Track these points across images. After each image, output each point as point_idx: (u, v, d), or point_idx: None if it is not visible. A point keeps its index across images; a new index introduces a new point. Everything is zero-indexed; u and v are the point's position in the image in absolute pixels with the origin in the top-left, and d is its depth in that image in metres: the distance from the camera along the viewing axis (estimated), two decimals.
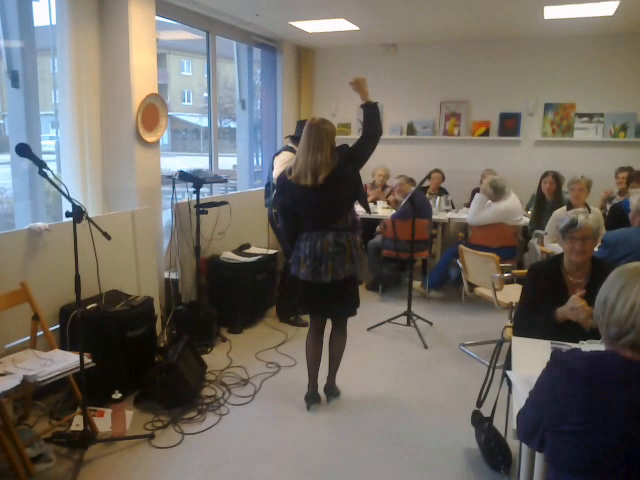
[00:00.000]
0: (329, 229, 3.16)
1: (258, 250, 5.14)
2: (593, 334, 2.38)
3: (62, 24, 3.88)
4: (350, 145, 3.20)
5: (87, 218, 2.66)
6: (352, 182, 3.22)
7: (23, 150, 2.55)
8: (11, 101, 3.92)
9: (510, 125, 6.66)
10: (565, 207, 4.81)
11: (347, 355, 3.74)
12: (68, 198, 2.59)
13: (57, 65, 3.96)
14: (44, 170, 2.54)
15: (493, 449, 2.80)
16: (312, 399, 3.47)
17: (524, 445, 1.94)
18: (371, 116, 3.19)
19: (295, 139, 4.66)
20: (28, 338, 3.08)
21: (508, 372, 2.14)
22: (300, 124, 4.86)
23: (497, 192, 5.08)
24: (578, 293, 2.51)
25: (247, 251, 5.10)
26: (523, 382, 1.93)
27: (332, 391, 3.57)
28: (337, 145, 3.20)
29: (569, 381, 1.41)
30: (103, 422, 3.11)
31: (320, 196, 3.12)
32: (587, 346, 2.23)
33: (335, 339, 3.48)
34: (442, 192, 6.41)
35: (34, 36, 3.89)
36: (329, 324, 3.48)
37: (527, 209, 5.79)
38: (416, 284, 5.46)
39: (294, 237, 3.30)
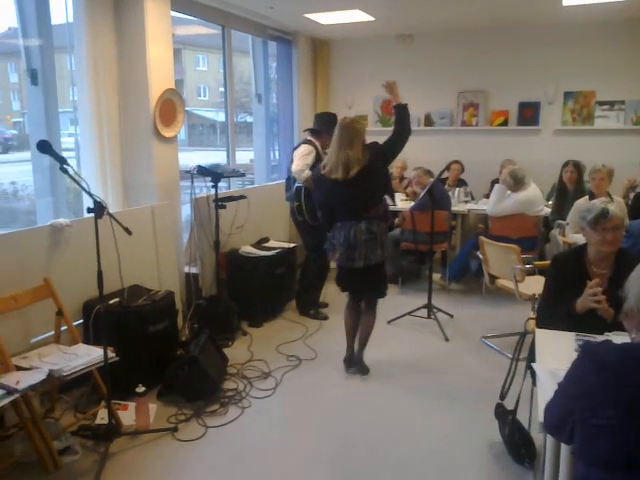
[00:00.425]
0: (362, 218, 3.45)
1: (277, 244, 5.15)
2: (616, 326, 2.35)
3: (79, 21, 3.89)
4: (380, 143, 3.51)
5: (108, 213, 2.68)
6: (382, 177, 3.56)
7: (44, 147, 2.58)
8: (31, 99, 3.96)
9: (529, 114, 6.57)
10: (587, 197, 4.74)
11: (367, 348, 3.76)
12: (89, 194, 2.61)
13: (75, 62, 3.99)
14: (65, 166, 2.57)
15: (517, 442, 2.78)
16: (349, 362, 3.82)
17: (549, 438, 1.92)
18: (401, 116, 3.52)
19: (314, 132, 4.65)
20: (52, 333, 3.13)
21: (533, 364, 2.11)
22: (318, 117, 4.86)
23: (517, 182, 5.02)
24: (594, 281, 2.48)
25: (266, 245, 5.11)
26: (549, 375, 1.91)
27: (360, 364, 3.82)
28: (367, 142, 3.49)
29: (599, 373, 1.39)
30: (127, 415, 3.15)
31: (352, 189, 3.41)
32: (614, 338, 2.19)
33: (365, 317, 3.77)
34: (461, 183, 6.35)
35: (52, 34, 3.92)
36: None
37: (548, 199, 5.71)
38: (436, 276, 5.43)
39: (331, 227, 3.61)
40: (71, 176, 2.58)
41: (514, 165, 5.64)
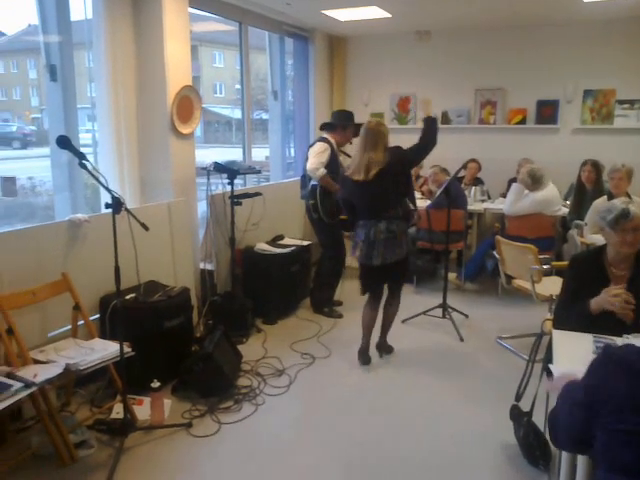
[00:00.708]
0: (382, 218, 3.61)
1: (292, 241, 5.15)
2: (635, 328, 2.32)
3: (98, 18, 3.91)
4: (403, 147, 3.67)
5: (126, 209, 2.70)
6: (400, 179, 3.67)
7: (64, 142, 2.59)
8: (50, 95, 3.99)
9: (548, 113, 6.50)
10: (605, 197, 4.68)
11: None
12: (107, 189, 2.62)
13: (93, 59, 4.01)
14: (84, 162, 2.58)
15: (532, 444, 2.75)
16: (363, 354, 3.92)
17: None
18: (430, 127, 3.70)
19: (329, 126, 4.66)
20: (69, 327, 3.16)
21: (551, 366, 2.09)
22: (335, 113, 4.86)
23: (535, 182, 4.96)
24: (619, 286, 2.44)
25: (281, 242, 5.12)
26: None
27: (384, 348, 4.06)
28: (392, 145, 3.65)
29: (624, 377, 1.36)
30: (142, 410, 3.17)
31: (370, 190, 3.58)
32: (633, 340, 2.16)
33: (389, 304, 3.97)
34: (478, 182, 6.30)
35: (71, 30, 3.94)
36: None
37: (565, 199, 5.65)
38: (451, 276, 5.39)
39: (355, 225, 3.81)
40: (90, 172, 2.60)
41: (532, 164, 5.59)
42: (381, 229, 3.58)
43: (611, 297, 2.39)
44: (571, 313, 2.56)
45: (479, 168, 6.39)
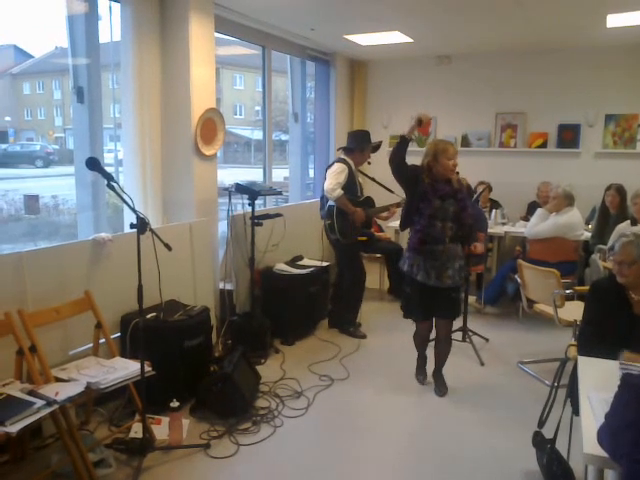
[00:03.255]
0: None
1: (310, 262, 5.15)
2: None
3: (126, 41, 4.00)
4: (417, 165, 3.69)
5: (150, 230, 2.72)
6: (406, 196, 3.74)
7: (93, 164, 2.65)
8: (76, 116, 4.07)
9: (569, 137, 6.47)
10: (629, 221, 4.64)
11: (400, 371, 3.75)
12: (133, 210, 2.65)
13: (120, 80, 4.08)
14: (112, 183, 2.62)
15: (555, 472, 2.69)
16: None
17: (590, 470, 1.86)
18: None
19: (347, 150, 4.68)
20: (90, 345, 3.18)
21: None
22: (351, 135, 4.87)
23: (571, 200, 4.93)
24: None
25: (300, 263, 5.12)
26: (603, 403, 1.85)
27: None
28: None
29: (637, 405, 1.34)
30: (160, 430, 3.16)
31: None
32: None
33: None
34: (496, 205, 6.24)
35: (99, 53, 4.03)
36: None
37: (587, 223, 5.60)
38: (471, 299, 5.35)
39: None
40: (118, 193, 2.64)
41: (550, 186, 5.58)
42: None
43: None
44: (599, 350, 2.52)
45: (489, 189, 6.25)
